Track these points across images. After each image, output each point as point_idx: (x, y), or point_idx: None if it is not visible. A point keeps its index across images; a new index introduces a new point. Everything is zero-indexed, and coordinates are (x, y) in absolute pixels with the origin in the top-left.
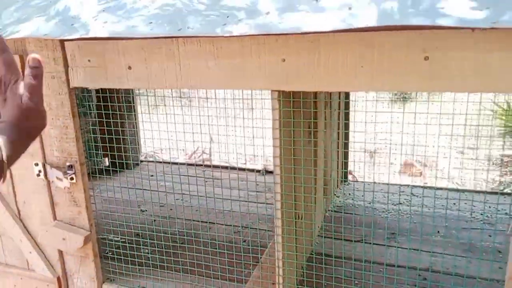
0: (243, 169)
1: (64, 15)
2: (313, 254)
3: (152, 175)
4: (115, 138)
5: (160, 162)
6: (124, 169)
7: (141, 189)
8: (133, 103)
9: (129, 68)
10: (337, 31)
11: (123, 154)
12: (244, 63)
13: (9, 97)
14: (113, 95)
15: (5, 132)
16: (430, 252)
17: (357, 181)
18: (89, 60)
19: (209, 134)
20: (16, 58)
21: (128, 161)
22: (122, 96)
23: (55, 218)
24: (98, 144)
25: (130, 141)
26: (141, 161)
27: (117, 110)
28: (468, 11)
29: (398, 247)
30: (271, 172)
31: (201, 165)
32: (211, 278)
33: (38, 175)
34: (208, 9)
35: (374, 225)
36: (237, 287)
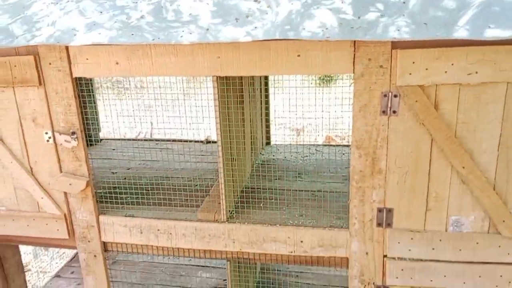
0: (188, 141)
1: (67, 27)
2: (244, 188)
3: (114, 149)
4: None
5: (118, 139)
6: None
7: (109, 158)
8: (93, 92)
9: (117, 63)
10: (250, 41)
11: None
12: (193, 59)
13: None
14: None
15: None
16: (321, 181)
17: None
18: (87, 59)
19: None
20: (31, 59)
21: (91, 138)
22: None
23: (61, 171)
24: None
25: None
26: (101, 139)
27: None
28: (316, 29)
29: (302, 181)
30: (212, 142)
31: (153, 140)
32: (177, 207)
33: (48, 140)
34: (170, 24)
35: (287, 169)
36: (196, 211)
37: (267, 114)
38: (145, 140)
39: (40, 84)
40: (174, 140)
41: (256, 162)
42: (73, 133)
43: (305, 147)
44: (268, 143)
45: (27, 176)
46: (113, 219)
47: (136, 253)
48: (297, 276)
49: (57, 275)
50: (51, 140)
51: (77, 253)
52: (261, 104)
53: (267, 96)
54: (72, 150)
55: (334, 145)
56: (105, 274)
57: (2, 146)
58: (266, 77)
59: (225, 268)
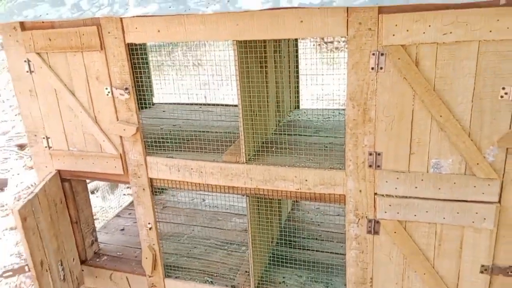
0: (228, 105)
1: (121, 2)
2: (266, 140)
3: (164, 111)
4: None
5: (169, 103)
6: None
7: (159, 118)
8: (147, 63)
9: (158, 31)
10: (264, 9)
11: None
12: (218, 26)
13: None
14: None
15: None
16: (334, 137)
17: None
18: (136, 28)
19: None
20: (94, 28)
21: (145, 101)
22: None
23: (117, 119)
24: None
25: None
26: (154, 104)
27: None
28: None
29: (318, 136)
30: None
31: (198, 104)
32: (207, 152)
33: (107, 94)
34: None
35: (307, 127)
36: (222, 155)
37: (297, 82)
38: (191, 104)
39: (101, 49)
40: (215, 104)
41: (283, 121)
42: (126, 88)
43: (330, 111)
44: (297, 107)
45: (93, 123)
46: (157, 159)
47: (174, 188)
48: (318, 225)
49: (117, 215)
50: (110, 94)
51: (132, 201)
52: (289, 71)
53: (297, 66)
54: (126, 102)
55: None
56: (151, 204)
57: (74, 99)
58: (296, 46)
59: None
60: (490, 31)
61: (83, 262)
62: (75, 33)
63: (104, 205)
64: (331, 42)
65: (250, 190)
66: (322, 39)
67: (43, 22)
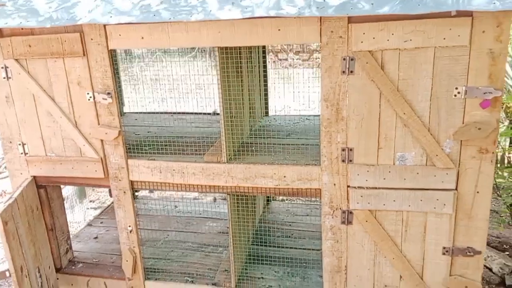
0: (198, 113)
1: (104, 11)
2: (242, 143)
3: (136, 119)
4: None
5: (139, 112)
6: None
7: (132, 125)
8: (118, 75)
9: (142, 38)
10: (240, 18)
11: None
12: (200, 33)
13: None
14: None
15: None
16: (306, 138)
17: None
18: (119, 34)
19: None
20: (77, 35)
21: None
22: None
23: (99, 123)
24: None
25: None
26: (125, 113)
27: None
28: (292, 9)
29: (290, 138)
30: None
31: (169, 112)
32: (188, 155)
33: (89, 99)
34: (185, 7)
35: (279, 130)
36: (203, 157)
37: (266, 89)
38: (162, 113)
39: (84, 55)
40: (186, 113)
41: (255, 126)
42: (109, 93)
43: (297, 117)
44: (266, 114)
45: (73, 128)
46: (138, 162)
47: (156, 189)
48: (289, 225)
49: (89, 224)
50: (91, 99)
51: (105, 207)
52: (259, 80)
53: (265, 72)
54: (107, 107)
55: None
56: (132, 207)
57: (54, 104)
58: (264, 57)
59: (227, 220)
60: (444, 39)
61: (58, 270)
62: (56, 39)
63: (70, 218)
64: (286, 59)
65: (231, 188)
66: (277, 55)
67: (22, 29)
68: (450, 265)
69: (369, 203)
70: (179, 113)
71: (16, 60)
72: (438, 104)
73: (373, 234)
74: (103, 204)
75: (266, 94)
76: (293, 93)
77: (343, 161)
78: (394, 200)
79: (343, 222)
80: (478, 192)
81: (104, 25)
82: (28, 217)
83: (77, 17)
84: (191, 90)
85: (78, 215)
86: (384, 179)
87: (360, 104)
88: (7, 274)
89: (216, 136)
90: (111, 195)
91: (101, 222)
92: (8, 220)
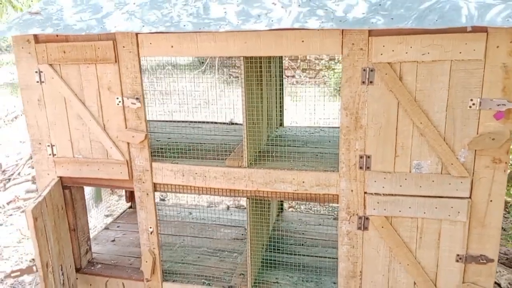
0: (216, 122)
1: (136, 22)
2: (260, 151)
3: (155, 127)
4: None
5: (157, 120)
6: None
7: (152, 132)
8: None
9: (172, 47)
10: (267, 30)
11: None
12: (227, 44)
13: None
14: None
15: None
16: (322, 147)
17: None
18: (150, 43)
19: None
20: (110, 43)
21: None
22: None
23: (126, 127)
24: None
25: None
26: None
27: None
28: (315, 22)
29: (307, 147)
30: (234, 123)
31: (187, 121)
32: (210, 159)
33: (118, 104)
34: (212, 20)
35: (295, 139)
36: (224, 163)
37: (281, 101)
38: (179, 121)
39: (115, 61)
40: (203, 122)
41: (272, 135)
42: (137, 98)
43: (312, 128)
44: (282, 124)
45: (101, 131)
46: (162, 165)
47: (178, 192)
48: (302, 233)
49: (106, 228)
50: (120, 104)
51: (122, 212)
52: (276, 90)
53: (281, 85)
54: (135, 111)
55: (334, 127)
56: (154, 209)
57: (84, 108)
58: (281, 68)
59: (241, 227)
60: (460, 52)
61: (77, 270)
62: (90, 46)
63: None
64: (293, 76)
65: (251, 192)
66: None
67: (57, 35)
68: (463, 272)
69: (385, 209)
70: (196, 121)
71: (50, 65)
72: (454, 115)
73: (389, 240)
74: (113, 212)
75: (281, 105)
76: (304, 111)
77: (360, 168)
78: (409, 207)
79: (359, 228)
80: (491, 200)
81: (136, 34)
82: (54, 215)
83: (109, 26)
84: (207, 101)
85: (96, 219)
86: (400, 186)
87: (378, 113)
88: (34, 269)
89: (234, 144)
90: (127, 201)
91: (118, 226)
92: (38, 216)
